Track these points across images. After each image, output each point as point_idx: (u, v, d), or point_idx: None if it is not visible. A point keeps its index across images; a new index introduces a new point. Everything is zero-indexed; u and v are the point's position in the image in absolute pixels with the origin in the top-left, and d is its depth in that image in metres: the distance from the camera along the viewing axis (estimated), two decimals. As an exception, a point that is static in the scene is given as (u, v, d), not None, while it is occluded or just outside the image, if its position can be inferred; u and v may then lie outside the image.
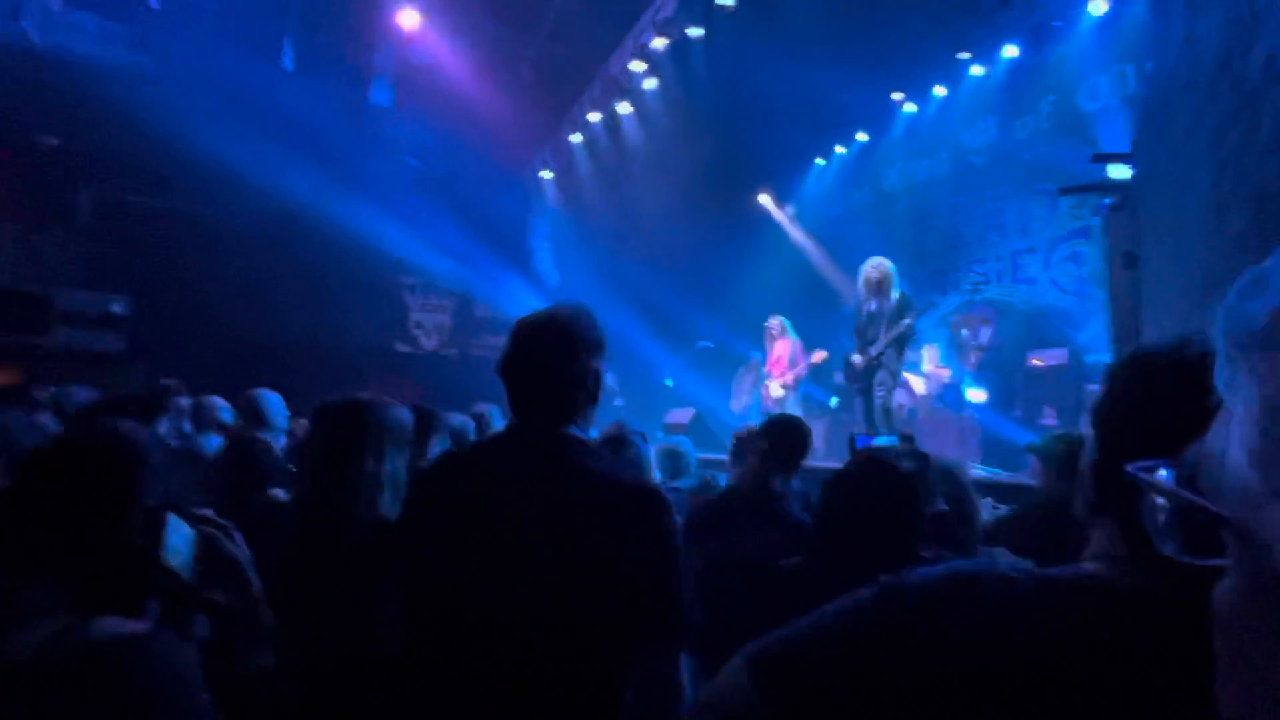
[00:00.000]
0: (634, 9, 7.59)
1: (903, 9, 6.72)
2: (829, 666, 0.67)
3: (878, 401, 5.20)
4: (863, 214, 9.54)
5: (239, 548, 0.92)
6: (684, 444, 3.13)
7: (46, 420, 3.22)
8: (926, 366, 7.03)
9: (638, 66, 7.91)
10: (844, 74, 7.42)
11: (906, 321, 5.13)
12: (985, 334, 6.97)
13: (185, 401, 3.47)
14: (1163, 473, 0.35)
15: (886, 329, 5.13)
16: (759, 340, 7.26)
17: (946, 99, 8.26)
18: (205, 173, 7.96)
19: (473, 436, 2.90)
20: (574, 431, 1.24)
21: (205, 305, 8.39)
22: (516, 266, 10.60)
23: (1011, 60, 7.43)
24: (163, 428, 2.83)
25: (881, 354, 5.16)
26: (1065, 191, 5.08)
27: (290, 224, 8.71)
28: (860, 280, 5.33)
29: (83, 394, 3.52)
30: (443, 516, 1.18)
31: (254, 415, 3.09)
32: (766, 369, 6.98)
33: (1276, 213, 1.83)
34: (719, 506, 2.36)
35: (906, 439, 2.09)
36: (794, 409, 6.45)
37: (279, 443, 3.08)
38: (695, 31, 7.24)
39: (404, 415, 1.54)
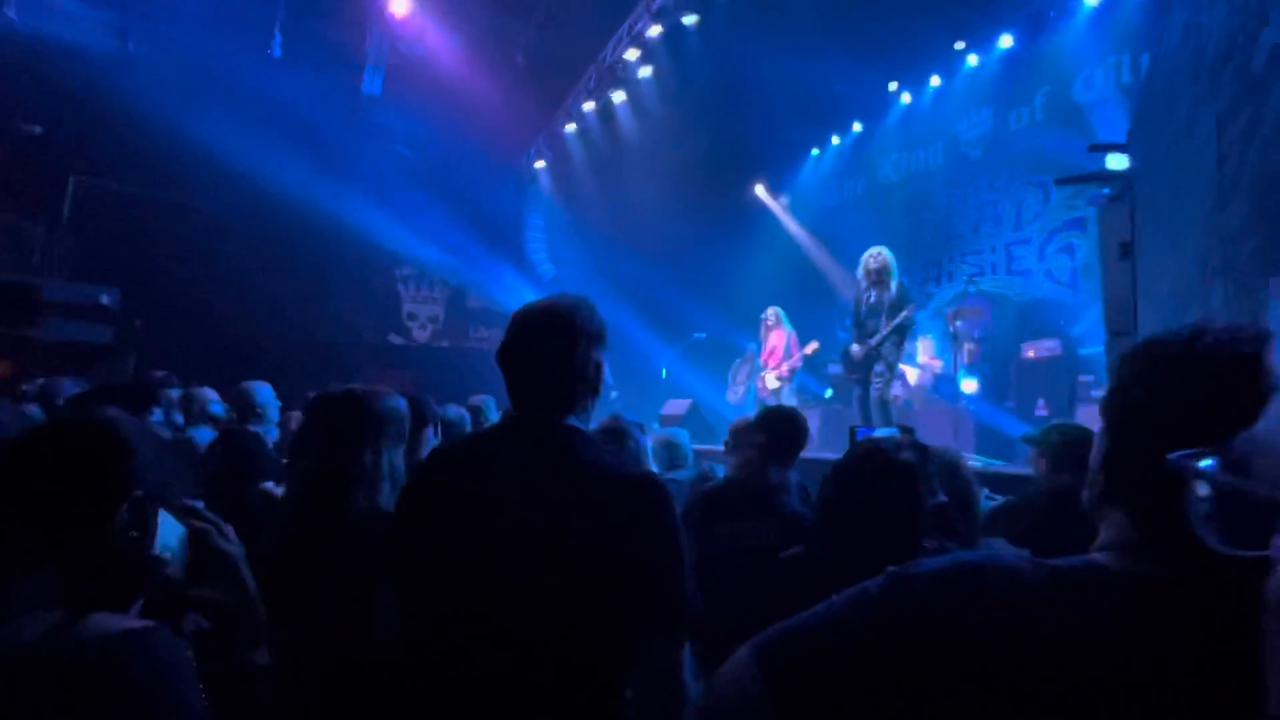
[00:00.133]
0: (628, -5, 7.52)
1: (899, -2, 6.69)
2: (836, 657, 0.67)
3: (874, 393, 5.20)
4: (858, 205, 9.55)
5: (232, 543, 0.90)
6: (681, 435, 3.12)
7: (34, 412, 3.18)
8: (921, 358, 7.06)
9: (632, 54, 7.85)
10: (840, 63, 7.40)
11: (906, 312, 5.13)
12: (979, 325, 6.99)
13: (175, 393, 3.43)
14: (1206, 462, 0.34)
15: (887, 319, 5.13)
16: (754, 331, 7.27)
17: (942, 89, 8.26)
18: (194, 162, 7.88)
19: (469, 428, 2.87)
20: (574, 423, 1.23)
21: (195, 296, 8.31)
22: (510, 257, 10.56)
23: (1007, 50, 7.43)
24: (155, 419, 2.79)
25: (881, 344, 5.16)
26: (1062, 182, 5.08)
27: (281, 214, 8.63)
28: (860, 270, 5.32)
29: (71, 386, 3.48)
30: (442, 509, 1.16)
31: (245, 407, 3.06)
32: (761, 360, 6.98)
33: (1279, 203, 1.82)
34: (716, 497, 2.35)
35: (907, 431, 2.09)
36: (789, 400, 6.46)
37: (271, 435, 3.05)
38: (690, 19, 7.18)
39: (402, 406, 1.52)
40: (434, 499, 1.18)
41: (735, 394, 7.91)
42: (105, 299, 7.98)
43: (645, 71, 8.07)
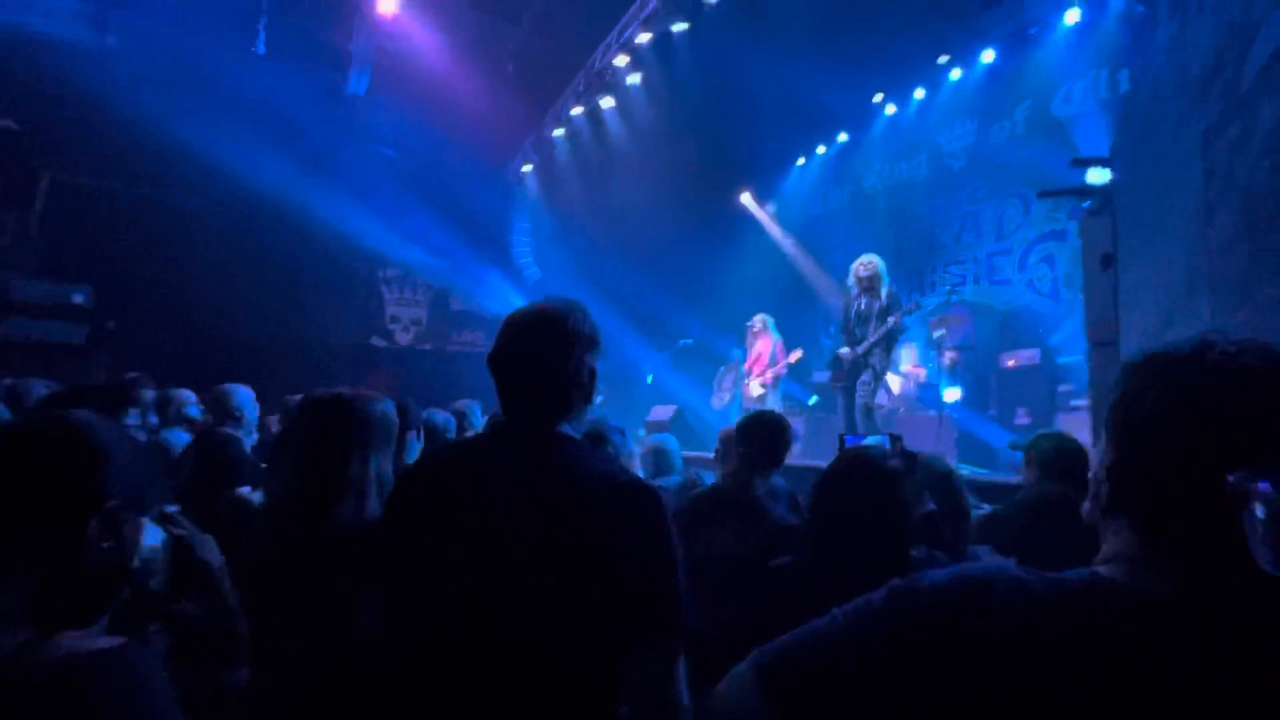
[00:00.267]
0: (619, 1, 7.53)
1: (885, 10, 6.79)
2: (839, 672, 0.66)
3: (859, 400, 5.23)
4: (843, 213, 9.65)
5: (212, 553, 0.86)
6: (670, 442, 3.10)
7: (2, 413, 3.07)
8: (905, 366, 7.12)
9: (622, 60, 7.86)
10: (827, 74, 7.48)
11: (894, 319, 5.18)
12: (961, 334, 7.08)
13: (151, 394, 3.35)
14: (1262, 485, 0.33)
15: (875, 327, 5.17)
16: (740, 338, 7.29)
17: (926, 101, 8.39)
18: (172, 158, 7.71)
19: (453, 434, 2.83)
20: (566, 429, 1.21)
21: (171, 296, 8.14)
22: (495, 261, 10.49)
23: (989, 65, 7.57)
24: (130, 421, 2.71)
25: (870, 351, 5.19)
26: (1044, 195, 5.16)
27: (261, 212, 8.49)
28: (850, 277, 5.37)
29: (41, 387, 3.37)
30: (432, 515, 1.13)
31: (223, 409, 2.98)
32: (746, 367, 7.01)
33: (1267, 218, 1.85)
34: (701, 504, 2.35)
35: (896, 438, 2.09)
36: (774, 407, 6.48)
37: (249, 439, 2.98)
38: (680, 26, 7.21)
39: (391, 411, 1.48)
40: (424, 505, 1.15)
41: (720, 400, 7.93)
42: (78, 298, 7.79)
43: (634, 78, 8.08)
